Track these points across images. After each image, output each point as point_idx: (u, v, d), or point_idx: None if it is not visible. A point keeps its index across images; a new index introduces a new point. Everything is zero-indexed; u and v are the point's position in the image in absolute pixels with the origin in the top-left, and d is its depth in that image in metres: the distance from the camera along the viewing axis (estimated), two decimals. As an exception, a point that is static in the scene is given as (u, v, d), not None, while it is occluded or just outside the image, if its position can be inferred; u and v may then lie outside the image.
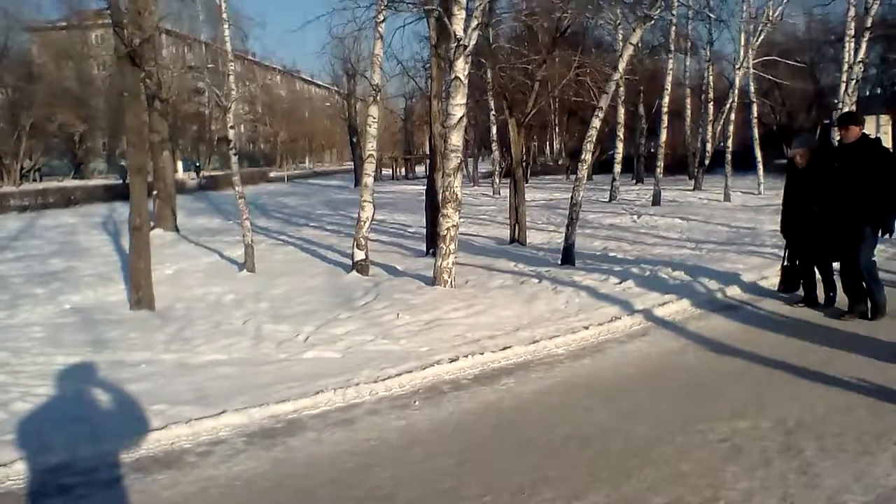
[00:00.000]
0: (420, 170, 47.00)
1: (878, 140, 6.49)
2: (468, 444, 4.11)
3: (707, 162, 24.60)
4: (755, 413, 4.26)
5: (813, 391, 4.62)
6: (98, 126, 50.36)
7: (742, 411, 4.30)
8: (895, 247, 9.66)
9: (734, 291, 7.78)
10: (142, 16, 11.55)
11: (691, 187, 24.22)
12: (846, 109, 15.29)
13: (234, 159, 11.17)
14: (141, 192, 8.51)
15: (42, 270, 11.66)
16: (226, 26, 10.95)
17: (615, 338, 6.30)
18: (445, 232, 8.39)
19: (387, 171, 51.94)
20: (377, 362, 5.61)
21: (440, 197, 9.15)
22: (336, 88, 46.69)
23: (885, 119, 37.56)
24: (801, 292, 7.02)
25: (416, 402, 4.87)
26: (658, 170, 20.58)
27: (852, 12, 16.42)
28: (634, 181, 29.66)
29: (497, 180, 28.07)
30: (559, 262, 9.90)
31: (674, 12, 19.90)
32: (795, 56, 29.00)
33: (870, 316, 6.32)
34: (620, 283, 8.17)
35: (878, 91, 37.96)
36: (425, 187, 12.32)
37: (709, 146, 24.57)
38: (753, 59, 20.44)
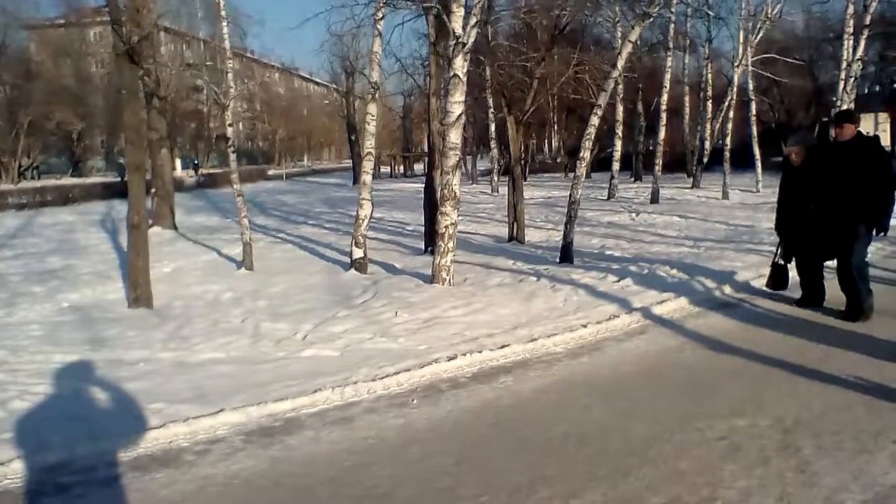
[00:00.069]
0: (419, 168, 46.96)
1: (872, 138, 6.49)
2: (466, 443, 4.11)
3: (705, 160, 24.59)
4: (753, 411, 4.26)
5: (811, 389, 4.62)
6: (96, 124, 50.28)
7: (740, 409, 4.30)
8: (893, 245, 9.68)
9: (732, 289, 7.78)
10: (140, 13, 11.55)
11: (690, 185, 24.22)
12: (845, 107, 15.28)
13: (233, 157, 11.15)
14: (139, 190, 8.50)
15: (40, 268, 11.65)
16: (224, 24, 10.93)
17: (613, 336, 6.30)
18: (444, 230, 8.39)
19: (385, 169, 51.92)
20: (375, 361, 5.61)
21: (439, 195, 9.14)
22: (335, 86, 46.64)
23: (883, 117, 37.60)
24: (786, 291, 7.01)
25: (415, 401, 4.87)
26: (656, 168, 20.59)
27: (851, 10, 16.38)
28: (633, 179, 29.68)
29: (495, 178, 28.07)
30: (557, 260, 9.90)
31: (672, 10, 19.92)
32: (794, 54, 28.96)
33: (851, 317, 6.29)
34: (619, 281, 8.17)
35: (877, 89, 37.96)
36: (424, 185, 12.31)
37: (707, 144, 24.56)
38: (752, 57, 20.43)
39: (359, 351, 6.03)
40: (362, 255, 9.91)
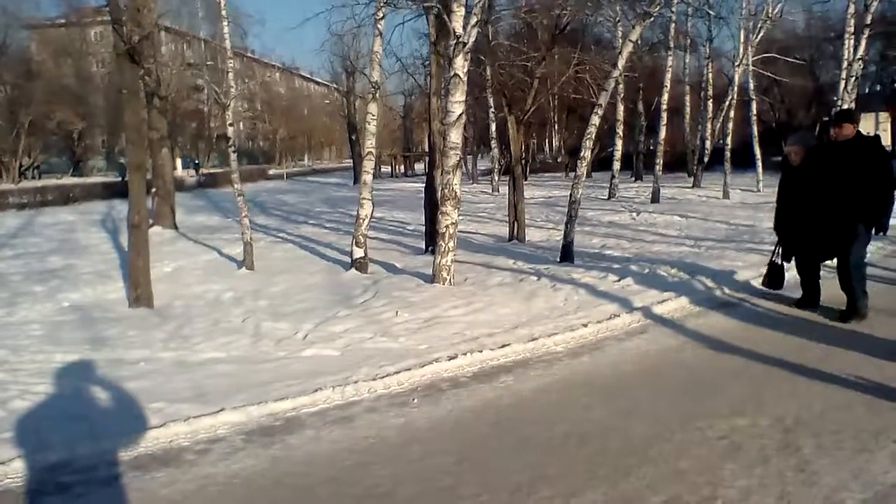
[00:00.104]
0: (419, 167, 46.98)
1: (871, 138, 6.47)
2: (467, 442, 4.12)
3: (706, 159, 24.58)
4: (753, 411, 4.26)
5: (811, 389, 4.62)
6: (97, 123, 50.30)
7: (740, 409, 4.30)
8: (894, 244, 9.68)
9: (733, 289, 7.78)
10: (141, 13, 11.56)
11: (690, 185, 24.21)
12: (845, 107, 15.28)
13: (233, 157, 11.16)
14: (140, 190, 8.50)
15: (41, 268, 11.66)
16: (225, 23, 10.94)
17: (614, 335, 6.30)
18: (444, 229, 8.39)
19: (386, 169, 51.87)
20: (376, 360, 5.62)
21: (439, 194, 9.15)
22: (335, 86, 46.63)
23: (884, 116, 37.57)
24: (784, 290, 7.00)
25: (415, 400, 4.87)
26: (657, 167, 20.58)
27: (852, 9, 16.38)
28: (633, 178, 29.66)
29: (496, 178, 28.06)
30: (558, 259, 9.90)
31: (673, 9, 19.91)
32: (795, 53, 28.94)
33: (845, 318, 6.27)
34: (619, 280, 8.16)
35: (878, 88, 37.93)
36: (424, 185, 12.31)
37: (708, 143, 24.55)
38: (753, 57, 20.42)
39: (359, 350, 6.04)
40: (363, 254, 9.92)
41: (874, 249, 8.85)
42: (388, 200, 23.86)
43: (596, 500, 3.33)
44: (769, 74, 24.10)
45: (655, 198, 19.54)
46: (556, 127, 42.04)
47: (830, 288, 6.73)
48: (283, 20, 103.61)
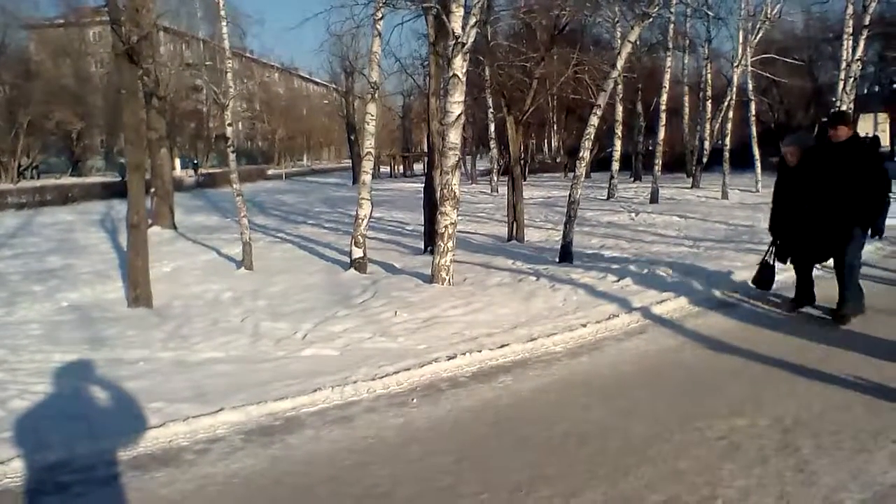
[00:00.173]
0: (418, 167, 46.95)
1: (868, 140, 6.47)
2: (466, 442, 4.12)
3: (705, 160, 24.57)
4: (753, 411, 4.27)
5: (810, 389, 4.62)
6: (96, 123, 50.25)
7: (740, 409, 4.31)
8: (893, 245, 9.69)
9: (731, 289, 7.78)
10: (139, 13, 11.55)
11: (689, 185, 24.22)
12: (844, 107, 15.30)
13: (232, 157, 11.15)
14: (139, 190, 8.50)
15: (40, 268, 11.66)
16: (224, 23, 10.93)
17: (613, 336, 6.30)
18: (443, 230, 8.39)
19: (385, 169, 51.90)
20: (375, 360, 5.62)
21: (438, 195, 9.15)
22: (334, 86, 46.63)
23: (882, 117, 37.61)
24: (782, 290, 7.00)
25: (414, 400, 4.87)
26: (656, 167, 20.58)
27: (850, 10, 16.39)
28: (632, 179, 29.66)
29: (495, 178, 28.06)
30: (557, 259, 9.90)
31: (672, 10, 19.92)
32: (794, 54, 28.98)
33: (833, 318, 6.26)
34: (618, 280, 8.17)
35: (877, 89, 38.01)
36: (423, 185, 12.32)
37: (707, 144, 24.55)
38: (752, 57, 20.43)
39: (358, 350, 6.04)
40: (362, 254, 9.91)
41: (873, 250, 8.86)
42: (387, 200, 23.87)
43: (595, 500, 3.33)
44: (768, 75, 24.12)
45: (654, 198, 19.55)
46: (555, 127, 42.06)
47: (827, 288, 6.74)
48: (282, 20, 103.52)
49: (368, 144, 10.31)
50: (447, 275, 8.39)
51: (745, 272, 8.35)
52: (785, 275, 7.25)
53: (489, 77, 16.27)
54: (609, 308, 7.02)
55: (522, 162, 25.43)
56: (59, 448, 4.12)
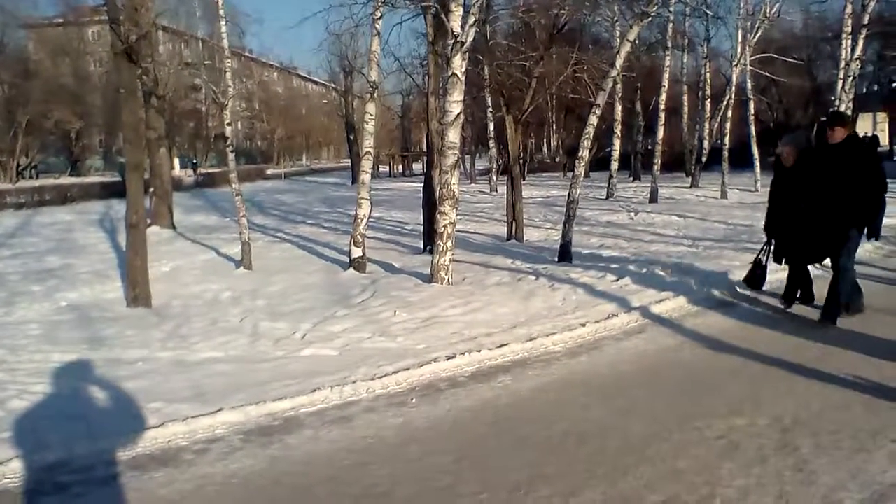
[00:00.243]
0: (417, 167, 46.94)
1: (865, 141, 6.45)
2: (465, 442, 4.12)
3: (704, 159, 24.60)
4: (751, 410, 4.27)
5: (809, 388, 4.63)
6: (94, 123, 50.24)
7: (738, 408, 4.31)
8: (893, 245, 9.70)
9: (730, 288, 7.78)
10: (138, 12, 11.51)
11: (688, 184, 24.23)
12: (843, 106, 15.30)
13: (231, 156, 11.15)
14: (137, 189, 8.49)
15: (39, 268, 11.65)
16: (223, 23, 10.92)
17: (612, 335, 6.31)
18: (443, 229, 8.39)
19: (384, 169, 51.94)
20: (374, 360, 5.61)
21: (437, 194, 9.14)
22: (333, 85, 46.58)
23: (881, 116, 37.62)
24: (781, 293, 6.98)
25: (413, 400, 4.87)
26: (655, 167, 20.58)
27: (849, 9, 16.40)
28: (631, 178, 29.68)
29: (494, 177, 28.08)
30: (556, 259, 9.90)
31: (671, 9, 19.95)
32: (792, 53, 28.97)
33: (821, 316, 6.23)
34: (617, 280, 8.17)
35: (875, 88, 38.00)
36: (422, 184, 12.32)
37: (706, 143, 24.57)
38: (750, 56, 20.42)
39: (357, 350, 6.03)
40: (361, 254, 9.91)
41: (873, 249, 8.86)
42: (387, 200, 23.86)
43: (594, 500, 3.33)
44: (767, 74, 24.10)
45: (653, 197, 19.56)
46: (554, 127, 42.07)
47: (824, 288, 6.73)
48: (281, 20, 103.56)
49: (367, 144, 10.31)
50: (446, 274, 8.39)
51: (743, 272, 8.33)
52: (778, 275, 7.25)
53: (488, 76, 16.25)
54: (608, 307, 7.02)
55: (521, 161, 25.41)
56: (58, 448, 4.12)
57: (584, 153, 10.27)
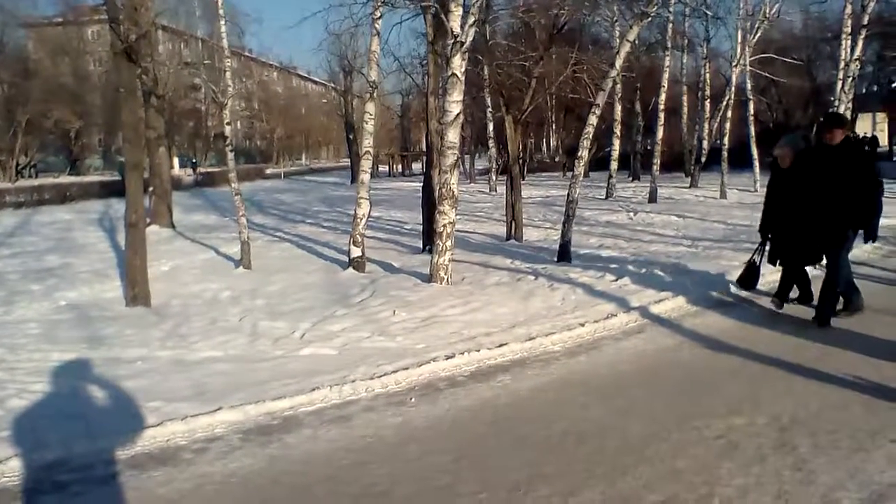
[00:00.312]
0: (417, 167, 46.95)
1: (862, 142, 6.44)
2: (464, 441, 4.12)
3: (703, 159, 24.61)
4: (750, 410, 4.27)
5: (808, 388, 4.63)
6: (94, 122, 50.22)
7: (737, 408, 4.31)
8: (892, 245, 9.71)
9: (730, 289, 7.78)
10: (138, 12, 11.51)
11: (688, 184, 24.23)
12: (842, 107, 15.31)
13: (231, 156, 11.14)
14: (137, 189, 8.48)
15: (38, 267, 11.65)
16: (222, 22, 10.92)
17: (611, 335, 6.31)
18: (442, 229, 8.39)
19: (383, 168, 51.94)
20: (373, 359, 5.61)
21: (437, 194, 9.14)
22: (333, 85, 46.58)
23: (881, 116, 37.64)
24: (794, 293, 6.97)
25: (413, 399, 4.87)
26: (654, 167, 20.58)
27: (849, 10, 16.41)
28: (631, 178, 29.69)
29: (494, 177, 28.09)
30: (555, 259, 9.91)
31: (671, 9, 19.96)
32: (792, 53, 29.00)
33: (815, 318, 6.20)
34: (616, 280, 8.17)
35: (875, 88, 38.02)
36: (422, 184, 12.31)
37: (705, 143, 24.58)
38: (750, 57, 20.42)
39: (357, 349, 6.03)
40: (360, 253, 9.91)
41: (871, 249, 8.87)
42: (386, 200, 23.87)
43: (594, 499, 3.33)
44: (766, 74, 24.11)
45: (653, 197, 19.56)
46: (554, 127, 42.10)
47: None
48: (280, 19, 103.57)
49: (367, 143, 10.31)
50: (446, 274, 8.39)
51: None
52: (772, 276, 7.25)
53: (488, 76, 16.24)
54: (607, 307, 7.02)
55: (521, 161, 25.42)
56: (57, 447, 4.12)
57: (584, 153, 10.27)
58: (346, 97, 40.91)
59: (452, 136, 8.38)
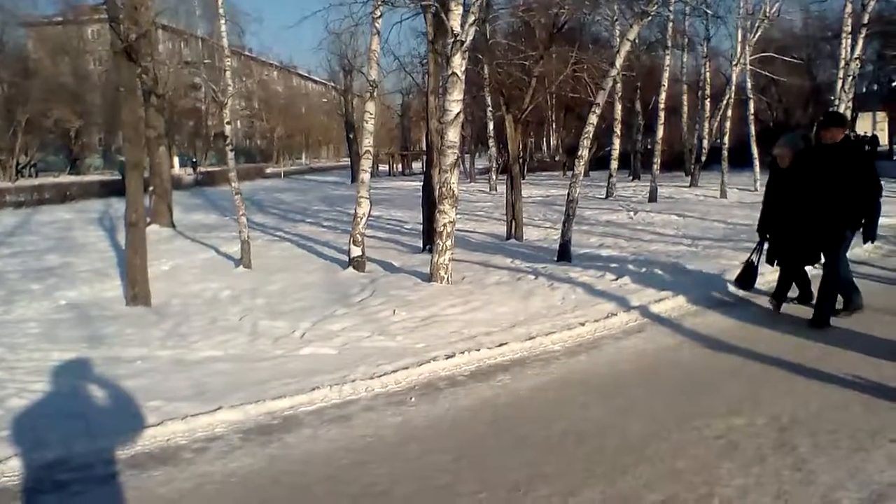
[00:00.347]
0: (417, 166, 46.92)
1: (858, 142, 6.42)
2: (464, 441, 4.12)
3: (703, 158, 24.59)
4: (750, 410, 4.27)
5: (808, 388, 4.63)
6: (94, 122, 50.21)
7: (737, 408, 4.31)
8: (892, 244, 9.70)
9: (730, 288, 7.78)
10: (138, 11, 11.51)
11: (688, 184, 24.22)
12: (842, 106, 15.31)
13: (231, 155, 11.14)
14: (137, 188, 8.48)
15: (38, 266, 11.64)
16: (222, 21, 10.91)
17: (611, 334, 6.31)
18: (442, 228, 8.39)
19: (383, 168, 51.92)
20: (373, 359, 5.61)
21: (437, 193, 9.14)
22: (333, 84, 46.56)
23: (881, 115, 37.63)
24: (793, 293, 6.97)
25: (413, 399, 4.87)
26: (655, 166, 20.57)
27: (849, 9, 16.41)
28: (631, 178, 29.67)
29: (494, 177, 28.08)
30: (556, 258, 9.90)
31: (671, 8, 19.93)
32: (792, 53, 28.97)
33: (813, 320, 6.17)
34: (617, 279, 8.17)
35: (875, 87, 38.00)
36: (422, 183, 12.31)
37: (705, 143, 24.57)
38: (750, 56, 20.41)
39: (357, 349, 6.03)
40: (360, 253, 9.91)
41: (872, 249, 8.86)
42: (386, 199, 23.86)
43: (593, 499, 3.34)
44: (767, 73, 24.09)
45: (653, 197, 19.55)
46: (554, 126, 42.07)
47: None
48: (280, 18, 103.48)
49: (367, 143, 10.30)
50: (446, 273, 8.39)
51: (743, 271, 8.36)
52: (771, 276, 7.25)
53: (488, 75, 16.26)
54: (607, 307, 7.02)
55: (521, 160, 25.40)
56: (57, 446, 4.12)
57: (584, 152, 10.27)
58: (347, 96, 40.88)
59: (452, 135, 8.38)
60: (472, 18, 8.22)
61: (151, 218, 16.00)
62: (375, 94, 10.49)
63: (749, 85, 21.85)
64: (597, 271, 8.64)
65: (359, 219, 9.96)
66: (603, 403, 4.58)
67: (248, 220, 11.43)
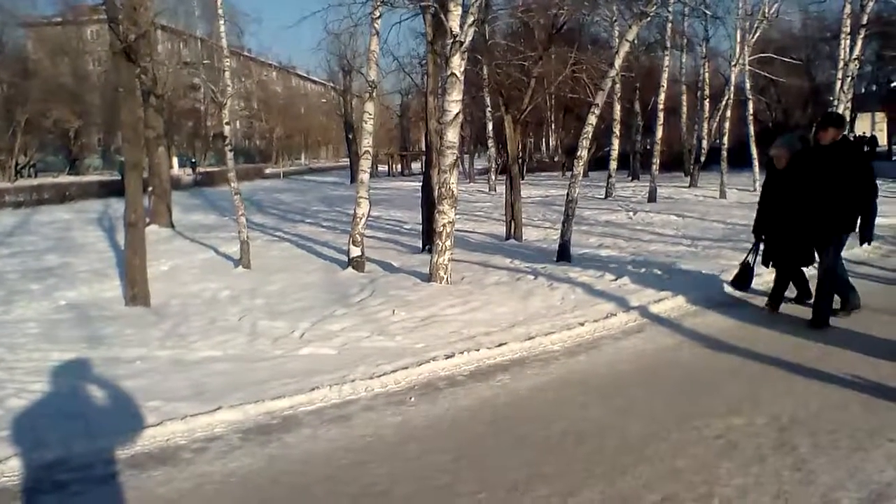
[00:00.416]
0: (416, 166, 46.94)
1: (855, 143, 6.42)
2: (464, 441, 4.12)
3: (703, 159, 24.61)
4: (750, 409, 4.27)
5: (807, 388, 4.63)
6: (93, 122, 50.20)
7: (737, 408, 4.31)
8: (891, 244, 9.71)
9: (729, 288, 7.77)
10: (137, 11, 11.50)
11: (687, 184, 24.24)
12: (841, 107, 15.32)
13: (230, 155, 11.14)
14: (136, 188, 8.48)
15: (37, 266, 11.64)
16: (221, 22, 10.91)
17: (610, 334, 6.31)
18: (441, 228, 8.39)
19: (383, 168, 51.92)
20: (373, 359, 5.61)
21: (436, 193, 9.15)
22: (332, 84, 46.59)
23: (880, 116, 37.66)
24: (791, 293, 6.97)
25: (412, 399, 4.87)
26: (654, 167, 20.59)
27: (848, 9, 16.43)
28: (630, 178, 29.69)
29: (493, 177, 28.09)
30: (555, 258, 9.90)
31: (670, 9, 19.93)
32: (791, 53, 29.01)
33: (812, 321, 6.15)
34: (616, 279, 8.17)
35: (874, 88, 38.06)
36: (421, 184, 12.31)
37: (704, 143, 24.57)
38: (749, 56, 20.42)
39: (356, 349, 6.03)
40: (360, 253, 9.91)
41: (871, 249, 8.86)
42: (385, 199, 23.86)
43: (593, 499, 3.34)
44: (766, 74, 24.09)
45: (652, 197, 19.57)
46: (553, 126, 42.14)
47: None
48: (279, 19, 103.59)
49: (366, 143, 10.30)
50: (445, 273, 8.39)
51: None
52: (768, 277, 7.25)
53: (487, 76, 16.25)
54: (607, 307, 7.02)
55: (520, 161, 25.41)
56: (57, 446, 4.12)
57: (583, 153, 10.28)
58: (346, 97, 40.88)
59: (452, 135, 8.38)
60: (471, 19, 8.23)
61: (150, 218, 15.99)
62: (374, 94, 10.49)
63: (748, 85, 21.86)
64: (596, 271, 8.65)
65: (358, 219, 9.96)
66: (602, 403, 4.58)
67: (248, 221, 11.42)
